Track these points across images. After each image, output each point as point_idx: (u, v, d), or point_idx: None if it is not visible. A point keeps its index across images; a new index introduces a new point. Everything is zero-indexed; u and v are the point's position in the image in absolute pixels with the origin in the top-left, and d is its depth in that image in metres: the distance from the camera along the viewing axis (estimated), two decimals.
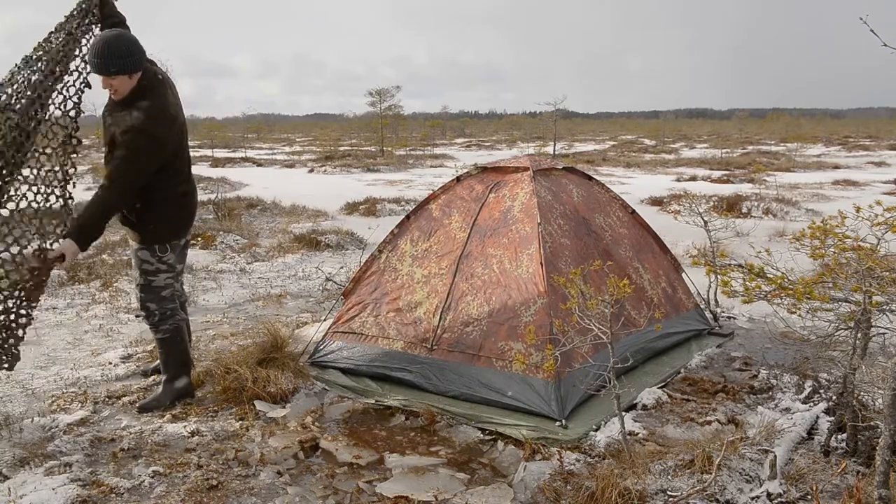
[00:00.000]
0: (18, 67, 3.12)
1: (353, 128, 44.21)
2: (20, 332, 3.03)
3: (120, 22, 3.49)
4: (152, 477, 2.90)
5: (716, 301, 5.31)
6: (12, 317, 3.00)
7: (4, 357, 3.01)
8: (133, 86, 3.24)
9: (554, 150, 29.24)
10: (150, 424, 3.42)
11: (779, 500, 2.53)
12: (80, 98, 3.26)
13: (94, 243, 3.29)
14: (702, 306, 4.95)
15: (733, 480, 2.62)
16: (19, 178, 3.08)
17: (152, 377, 4.02)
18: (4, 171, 2.97)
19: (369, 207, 11.73)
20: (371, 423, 3.54)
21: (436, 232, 4.18)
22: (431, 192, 4.48)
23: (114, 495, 2.77)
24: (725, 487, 2.58)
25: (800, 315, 3.04)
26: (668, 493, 2.57)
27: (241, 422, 3.46)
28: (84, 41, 3.29)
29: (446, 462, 3.11)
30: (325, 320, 4.55)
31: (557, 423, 3.26)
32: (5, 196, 3.00)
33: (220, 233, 8.56)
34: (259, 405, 3.62)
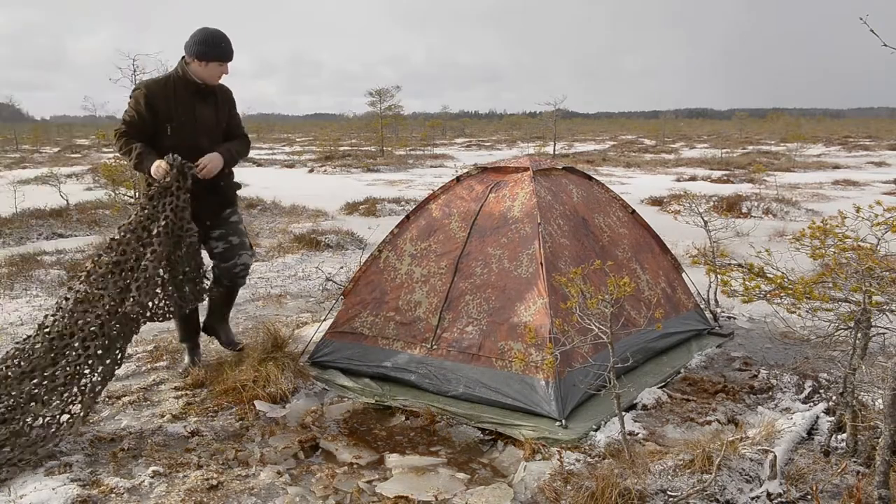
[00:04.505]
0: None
1: (353, 128, 44.21)
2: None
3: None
4: (152, 477, 2.90)
5: (716, 301, 5.31)
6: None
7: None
8: None
9: (554, 150, 29.23)
10: (150, 424, 3.43)
11: (779, 500, 2.53)
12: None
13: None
14: (702, 306, 4.95)
15: (733, 480, 2.62)
16: None
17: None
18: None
19: (369, 207, 11.73)
20: (371, 423, 3.54)
21: (435, 232, 4.18)
22: (431, 192, 4.48)
23: (114, 495, 2.77)
24: (725, 487, 2.58)
25: (800, 315, 3.04)
26: (668, 493, 2.57)
27: (241, 422, 3.46)
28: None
29: (446, 462, 3.11)
30: (325, 320, 4.55)
31: (557, 423, 3.26)
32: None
33: None
34: (259, 405, 3.62)
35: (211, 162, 3.70)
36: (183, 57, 3.76)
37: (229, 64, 3.78)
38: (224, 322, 4.31)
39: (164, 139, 3.71)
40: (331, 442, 3.29)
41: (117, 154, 3.72)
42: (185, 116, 3.74)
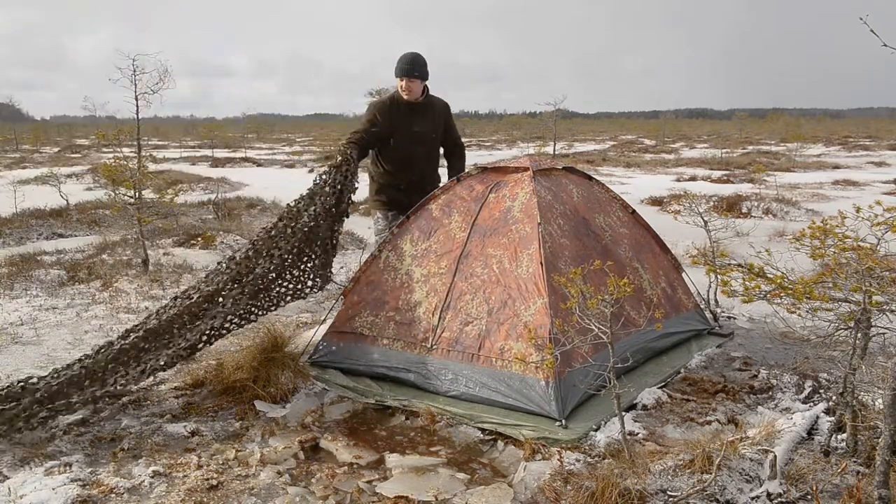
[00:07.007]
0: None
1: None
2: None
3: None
4: (152, 477, 2.90)
5: (716, 301, 5.31)
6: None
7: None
8: (422, 91, 4.61)
9: (554, 150, 29.21)
10: (150, 424, 3.43)
11: (779, 500, 2.53)
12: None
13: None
14: (702, 306, 4.95)
15: (733, 480, 2.62)
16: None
17: None
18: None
19: (369, 207, 11.70)
20: (371, 423, 3.54)
21: (435, 231, 4.18)
22: (431, 192, 4.48)
23: (114, 495, 2.77)
24: (725, 487, 2.58)
25: (800, 315, 3.04)
26: (668, 493, 2.57)
27: (241, 422, 3.46)
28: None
29: (446, 462, 3.11)
30: (325, 320, 4.55)
31: (557, 423, 3.26)
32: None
33: (220, 233, 8.56)
34: (259, 405, 3.62)
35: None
36: None
37: (425, 82, 4.60)
38: None
39: (388, 148, 4.66)
40: (331, 442, 3.29)
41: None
42: (403, 130, 4.58)
